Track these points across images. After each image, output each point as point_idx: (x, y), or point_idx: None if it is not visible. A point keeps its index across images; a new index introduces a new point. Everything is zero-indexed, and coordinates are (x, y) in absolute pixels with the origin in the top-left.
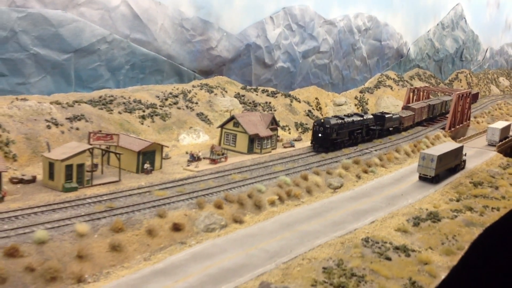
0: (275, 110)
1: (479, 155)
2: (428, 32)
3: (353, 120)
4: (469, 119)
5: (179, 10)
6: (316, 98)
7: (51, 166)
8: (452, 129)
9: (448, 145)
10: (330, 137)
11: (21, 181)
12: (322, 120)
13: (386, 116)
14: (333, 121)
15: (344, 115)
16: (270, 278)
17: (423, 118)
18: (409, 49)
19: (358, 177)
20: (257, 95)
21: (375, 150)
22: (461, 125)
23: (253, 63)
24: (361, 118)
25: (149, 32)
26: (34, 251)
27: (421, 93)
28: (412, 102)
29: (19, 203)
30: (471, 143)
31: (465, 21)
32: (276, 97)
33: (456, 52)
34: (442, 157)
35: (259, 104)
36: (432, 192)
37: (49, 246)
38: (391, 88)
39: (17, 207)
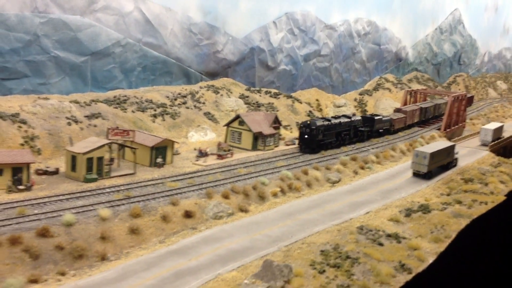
0: (277, 111)
1: (472, 154)
2: (427, 37)
3: (340, 121)
4: (464, 121)
5: (187, 15)
6: (317, 100)
7: (73, 159)
8: (448, 130)
9: (440, 143)
10: (316, 138)
11: (45, 172)
12: (308, 122)
13: (376, 118)
14: (319, 123)
15: (332, 117)
16: (273, 258)
17: (415, 120)
18: (408, 53)
19: (356, 172)
20: (260, 96)
21: (372, 148)
22: (456, 126)
23: (256, 65)
24: (349, 120)
25: (159, 36)
26: (63, 232)
27: (418, 95)
28: (409, 104)
29: (45, 191)
30: (465, 143)
31: (463, 25)
32: (279, 98)
33: (454, 56)
34: (434, 155)
35: (263, 105)
36: (425, 187)
37: (75, 228)
38: (390, 91)
39: (44, 195)
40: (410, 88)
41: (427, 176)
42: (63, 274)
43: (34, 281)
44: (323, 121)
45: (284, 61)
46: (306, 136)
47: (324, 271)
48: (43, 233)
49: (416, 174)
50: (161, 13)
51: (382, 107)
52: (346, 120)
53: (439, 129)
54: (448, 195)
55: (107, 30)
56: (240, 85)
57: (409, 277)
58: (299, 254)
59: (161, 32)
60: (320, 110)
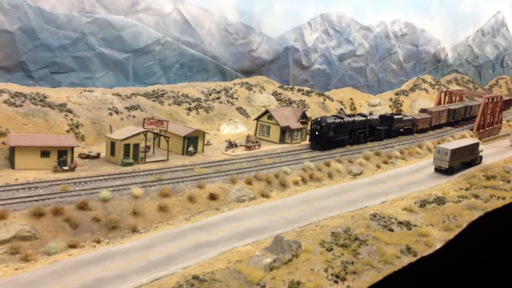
0: (308, 108)
1: (499, 153)
2: (468, 38)
3: (354, 120)
4: (500, 122)
5: (224, 16)
6: (351, 99)
7: (112, 145)
8: (481, 130)
9: (464, 141)
10: (326, 135)
11: (88, 156)
12: (319, 119)
13: (395, 117)
14: (329, 120)
15: (346, 115)
16: (286, 237)
17: (442, 121)
18: (447, 54)
19: (378, 166)
20: (292, 93)
21: (398, 145)
22: (491, 127)
23: (291, 64)
24: (364, 118)
25: (197, 36)
26: (99, 206)
27: (454, 96)
28: (444, 104)
29: (87, 172)
30: (496, 143)
31: (507, 28)
32: (311, 95)
33: (496, 58)
34: (456, 151)
35: (294, 102)
36: (445, 182)
37: (111, 203)
38: (427, 91)
39: (86, 175)
40: (448, 89)
41: (449, 172)
42: (98, 241)
43: (73, 246)
44: (334, 119)
45: (319, 60)
46: (316, 133)
47: (331, 249)
48: (82, 206)
49: (438, 170)
50: (198, 14)
51: (417, 108)
52: (361, 118)
53: (472, 130)
54: (466, 189)
55: (148, 30)
56: (274, 82)
57: (413, 259)
58: (311, 235)
59: (198, 32)
60: (354, 109)
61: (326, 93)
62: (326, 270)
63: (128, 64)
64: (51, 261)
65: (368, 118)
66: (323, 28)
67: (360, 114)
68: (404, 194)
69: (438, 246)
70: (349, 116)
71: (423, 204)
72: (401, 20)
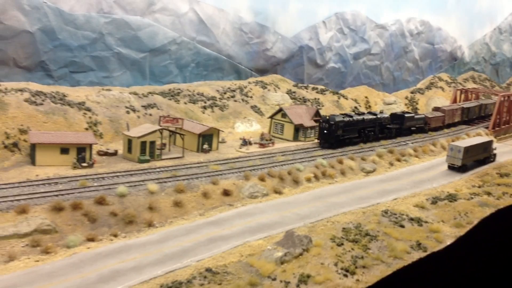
0: (322, 106)
1: None
2: (485, 36)
3: (363, 118)
4: None
5: (239, 15)
6: (366, 97)
7: (129, 142)
8: (497, 128)
9: (477, 139)
10: (334, 134)
11: (105, 153)
12: (327, 117)
13: (406, 115)
14: (338, 118)
15: (356, 113)
16: (298, 232)
17: (456, 120)
18: (464, 52)
19: (391, 164)
20: (307, 92)
21: (412, 143)
22: (507, 125)
23: (305, 63)
24: (374, 117)
25: (212, 35)
26: (116, 202)
27: (469, 94)
28: (460, 102)
29: (105, 169)
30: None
31: None
32: (325, 94)
33: None
34: (468, 149)
35: (308, 100)
36: (458, 179)
37: (127, 199)
38: (443, 90)
39: (103, 171)
40: (465, 87)
41: (462, 169)
42: (115, 235)
43: (91, 239)
44: (343, 117)
45: (333, 59)
46: (325, 131)
47: (342, 244)
48: (100, 201)
49: (451, 167)
50: (214, 14)
51: (433, 106)
52: (371, 117)
53: (487, 128)
54: (479, 187)
55: (164, 29)
56: (288, 81)
57: (423, 254)
58: (322, 230)
59: (214, 31)
60: (369, 107)
61: (341, 91)
62: (336, 264)
63: (145, 64)
64: (70, 254)
65: (378, 116)
66: (337, 27)
67: (370, 113)
68: (416, 191)
69: (449, 242)
70: (358, 114)
71: (435, 201)
72: (417, 19)
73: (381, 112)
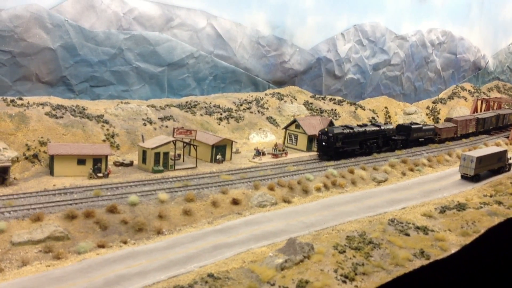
0: (339, 117)
1: None
2: (510, 46)
3: (365, 130)
4: None
5: (256, 29)
6: (386, 107)
7: (144, 153)
8: None
9: (491, 149)
10: (333, 146)
11: (121, 164)
12: (326, 129)
13: (413, 127)
14: (336, 130)
15: (357, 125)
16: (302, 240)
17: (470, 131)
18: (488, 62)
19: (403, 174)
20: (324, 103)
21: (427, 153)
22: None
23: (323, 74)
24: (377, 128)
25: (229, 49)
26: (128, 210)
27: (491, 103)
28: (480, 112)
29: (119, 179)
30: None
31: None
32: (342, 105)
33: None
34: (482, 159)
35: (325, 111)
36: (470, 189)
37: (138, 207)
38: (465, 99)
39: (118, 181)
40: (488, 97)
41: (475, 179)
42: (125, 242)
43: (101, 246)
44: (343, 129)
45: (352, 70)
46: (323, 143)
47: (344, 251)
48: (112, 210)
49: (464, 177)
50: (231, 28)
51: (455, 115)
52: (374, 128)
53: (507, 137)
54: (491, 196)
55: (182, 44)
56: (306, 92)
57: (426, 262)
58: (326, 238)
59: (231, 45)
60: (389, 117)
61: (360, 102)
62: (335, 271)
63: (163, 77)
64: (80, 259)
65: (382, 128)
66: (356, 39)
67: (374, 124)
68: (425, 201)
69: (453, 250)
70: (360, 126)
71: (443, 210)
72: (438, 29)
73: (386, 124)
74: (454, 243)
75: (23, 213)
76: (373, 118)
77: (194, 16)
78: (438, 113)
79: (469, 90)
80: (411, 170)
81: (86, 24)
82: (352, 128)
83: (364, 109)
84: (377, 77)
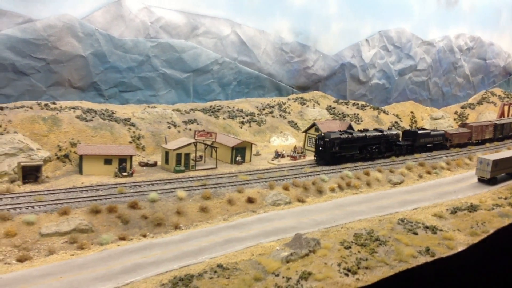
0: (361, 121)
1: None
2: None
3: (365, 135)
4: None
5: (280, 36)
6: (411, 112)
7: (166, 154)
8: None
9: (508, 152)
10: (330, 151)
11: (146, 164)
12: (323, 134)
13: (419, 132)
14: (333, 136)
15: (358, 130)
16: (310, 236)
17: (486, 137)
18: None
19: (420, 176)
20: (347, 107)
21: (446, 156)
22: None
23: (347, 80)
24: (379, 134)
25: (253, 55)
26: (148, 206)
27: None
28: (508, 116)
29: (143, 178)
30: None
31: None
32: (365, 109)
33: None
34: (498, 162)
35: (348, 115)
36: (485, 191)
37: (158, 204)
38: (495, 104)
39: (141, 180)
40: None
41: (491, 182)
42: (144, 235)
43: (122, 238)
44: (340, 134)
45: (377, 75)
46: (320, 148)
47: (350, 247)
48: (133, 206)
49: (481, 180)
50: (255, 35)
51: (483, 120)
52: (375, 133)
53: None
54: (505, 198)
55: (207, 51)
56: (329, 97)
57: (430, 259)
58: (335, 235)
59: (255, 52)
60: (415, 122)
61: (385, 107)
62: (339, 265)
63: (188, 83)
64: (101, 250)
65: (385, 133)
66: (381, 44)
67: (376, 129)
68: (438, 202)
69: (460, 249)
70: (360, 131)
71: (454, 211)
72: (466, 34)
73: (389, 129)
74: (461, 242)
75: (51, 207)
76: (396, 122)
77: (219, 24)
78: (466, 118)
79: (499, 95)
80: (429, 173)
81: (115, 33)
82: (351, 133)
83: (387, 114)
84: (403, 82)
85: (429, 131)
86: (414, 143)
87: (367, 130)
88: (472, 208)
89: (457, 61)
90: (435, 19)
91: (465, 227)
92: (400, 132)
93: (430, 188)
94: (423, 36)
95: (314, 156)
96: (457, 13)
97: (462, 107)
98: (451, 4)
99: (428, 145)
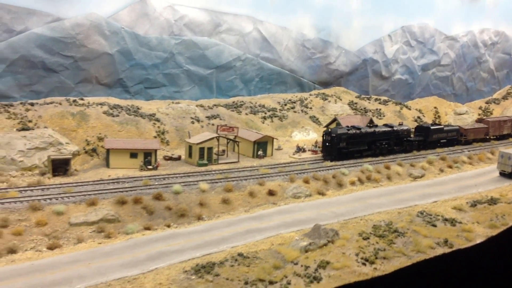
0: (383, 116)
1: None
2: None
3: (374, 130)
4: None
5: (301, 32)
6: (435, 107)
7: (190, 148)
8: None
9: None
10: (337, 146)
11: (170, 158)
12: (329, 130)
13: (432, 127)
14: (340, 131)
15: (368, 125)
16: (329, 227)
17: (504, 132)
18: None
19: (441, 170)
20: (369, 103)
21: (468, 151)
22: None
23: (370, 75)
24: (389, 129)
25: (275, 52)
26: (171, 198)
27: None
28: None
29: (167, 171)
30: None
31: None
32: (387, 104)
33: None
34: None
35: (370, 110)
36: (506, 185)
37: (181, 195)
38: None
39: (165, 173)
40: None
41: None
42: (168, 226)
43: (147, 228)
44: (348, 130)
45: (400, 71)
46: (327, 144)
47: (368, 238)
48: (158, 197)
49: (502, 174)
50: (277, 32)
51: (509, 115)
52: (385, 129)
53: None
54: None
55: (229, 48)
56: (351, 93)
57: (448, 250)
58: (354, 226)
59: (277, 48)
60: (438, 117)
61: (408, 102)
62: (357, 254)
63: (212, 79)
64: (127, 238)
65: (395, 129)
66: (404, 40)
67: (386, 125)
68: (459, 195)
69: (478, 241)
70: (370, 127)
71: (474, 204)
72: (491, 29)
73: (400, 124)
74: (480, 234)
75: (80, 199)
76: (418, 117)
77: (241, 21)
78: (491, 113)
79: None
80: (450, 167)
81: (141, 31)
82: (359, 129)
83: (409, 109)
84: (427, 77)
85: (442, 126)
86: (426, 138)
87: (376, 126)
88: (492, 201)
89: (481, 56)
90: (458, 14)
91: (485, 220)
92: (411, 128)
93: (451, 181)
94: (447, 31)
95: (321, 151)
96: (481, 8)
97: (486, 102)
98: None
99: (441, 141)
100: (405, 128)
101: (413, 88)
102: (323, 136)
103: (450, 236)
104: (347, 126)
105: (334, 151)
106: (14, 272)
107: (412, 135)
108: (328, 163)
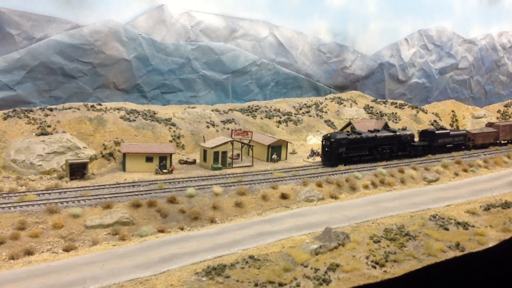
0: (399, 120)
1: None
2: None
3: (375, 135)
4: None
5: (317, 37)
6: (453, 111)
7: (204, 152)
8: None
9: None
10: (336, 152)
11: (185, 162)
12: (328, 135)
13: (437, 132)
14: (339, 136)
15: (369, 130)
16: (340, 230)
17: None
18: None
19: (456, 174)
20: (385, 106)
21: (484, 154)
22: None
23: (386, 79)
24: (391, 134)
25: (291, 56)
26: (185, 201)
27: None
28: None
29: (182, 174)
30: None
31: None
32: (403, 108)
33: None
34: None
35: (385, 114)
36: None
37: (195, 199)
38: None
39: (180, 177)
40: None
41: None
42: (182, 229)
43: (161, 231)
44: (347, 135)
45: (417, 74)
46: (326, 149)
47: (379, 241)
48: (172, 200)
49: None
50: (292, 37)
51: None
52: (386, 134)
53: None
54: None
55: (245, 53)
56: (367, 97)
57: (459, 254)
58: (365, 230)
59: (292, 53)
60: (456, 120)
61: (425, 106)
62: (367, 257)
63: (227, 84)
64: (141, 241)
65: (397, 134)
66: (421, 43)
67: (388, 130)
68: (472, 199)
69: (491, 244)
70: (371, 131)
71: (487, 207)
72: (510, 32)
73: (403, 129)
74: (493, 238)
75: (96, 202)
76: (435, 121)
77: (257, 26)
78: (510, 117)
79: None
80: (465, 170)
81: (157, 37)
82: (360, 134)
83: (426, 113)
84: (444, 81)
85: (448, 131)
86: (431, 143)
87: (378, 131)
88: (506, 205)
89: (500, 59)
90: (477, 17)
91: (498, 224)
92: (415, 133)
93: (465, 185)
94: (465, 35)
95: (320, 156)
96: (499, 11)
97: (505, 106)
98: (493, 2)
99: (447, 146)
100: (408, 133)
101: (430, 92)
102: (322, 141)
103: (462, 240)
104: (347, 131)
105: (334, 156)
106: (30, 273)
107: (416, 140)
108: (342, 167)
